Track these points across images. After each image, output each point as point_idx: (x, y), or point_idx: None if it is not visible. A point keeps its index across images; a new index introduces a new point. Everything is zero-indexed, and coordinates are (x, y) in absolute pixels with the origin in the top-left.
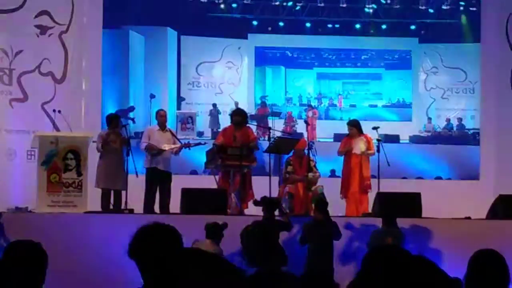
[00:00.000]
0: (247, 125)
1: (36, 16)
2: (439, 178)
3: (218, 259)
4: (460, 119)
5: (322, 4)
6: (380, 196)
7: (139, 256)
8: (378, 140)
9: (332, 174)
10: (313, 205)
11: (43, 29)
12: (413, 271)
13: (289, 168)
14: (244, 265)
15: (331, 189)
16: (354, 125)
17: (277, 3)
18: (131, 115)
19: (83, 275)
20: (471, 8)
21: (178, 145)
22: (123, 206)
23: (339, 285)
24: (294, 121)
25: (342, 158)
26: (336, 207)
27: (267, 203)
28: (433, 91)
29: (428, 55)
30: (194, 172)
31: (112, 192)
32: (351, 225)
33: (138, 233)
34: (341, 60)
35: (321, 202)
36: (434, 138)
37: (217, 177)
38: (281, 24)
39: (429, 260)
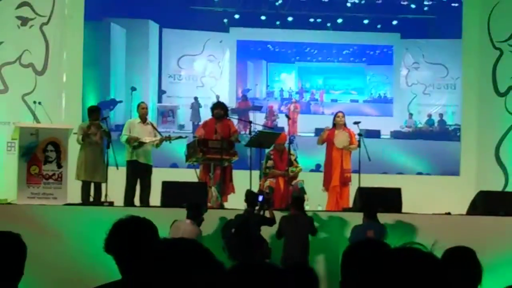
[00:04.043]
0: (228, 118)
1: (17, 8)
2: (419, 173)
3: (196, 248)
4: (441, 115)
5: None
6: (361, 191)
7: (115, 251)
8: (359, 135)
9: (317, 168)
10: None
11: (24, 21)
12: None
13: (270, 163)
14: (225, 259)
15: (313, 183)
16: (344, 116)
17: None
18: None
19: (62, 267)
20: (452, 4)
21: (159, 138)
22: (103, 199)
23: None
24: (275, 115)
25: (324, 152)
26: (318, 201)
27: (250, 196)
28: (414, 86)
29: (409, 51)
30: (174, 165)
31: (92, 184)
32: (332, 219)
33: (113, 228)
34: (322, 54)
35: (297, 200)
36: (415, 134)
37: (197, 170)
38: (263, 18)
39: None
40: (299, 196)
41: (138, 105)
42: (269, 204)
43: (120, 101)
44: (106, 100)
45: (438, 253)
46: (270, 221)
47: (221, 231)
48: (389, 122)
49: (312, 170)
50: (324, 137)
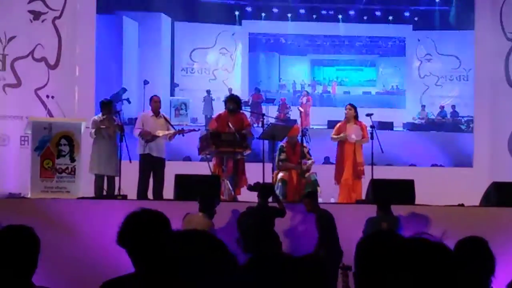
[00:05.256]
0: (241, 111)
1: (29, 2)
2: (432, 165)
3: (209, 240)
4: (454, 106)
5: None
6: (374, 183)
7: (128, 244)
8: (371, 127)
9: (326, 161)
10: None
11: (36, 15)
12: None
13: (283, 155)
14: (240, 252)
15: (325, 176)
16: (354, 107)
17: None
18: (124, 96)
19: (75, 260)
20: None
21: (172, 131)
22: (116, 192)
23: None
24: (288, 108)
25: (336, 144)
26: (330, 193)
27: (261, 188)
28: (427, 78)
29: (422, 42)
30: (187, 158)
31: (105, 178)
32: (345, 211)
33: (126, 221)
34: (335, 46)
35: (313, 193)
36: (427, 125)
37: (211, 163)
38: (275, 10)
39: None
40: (313, 190)
41: (151, 98)
42: (277, 195)
43: (129, 101)
44: (117, 92)
45: (448, 243)
46: (282, 212)
47: (236, 223)
48: (401, 114)
49: (323, 163)
50: (337, 135)
